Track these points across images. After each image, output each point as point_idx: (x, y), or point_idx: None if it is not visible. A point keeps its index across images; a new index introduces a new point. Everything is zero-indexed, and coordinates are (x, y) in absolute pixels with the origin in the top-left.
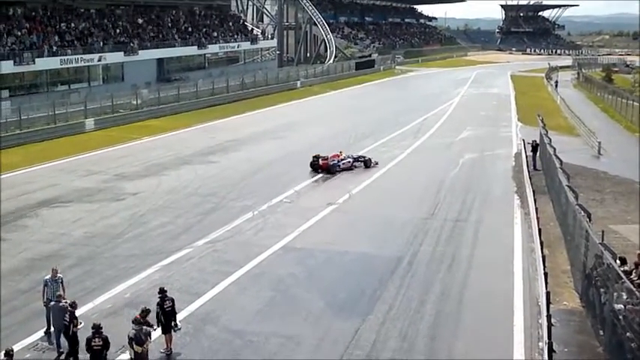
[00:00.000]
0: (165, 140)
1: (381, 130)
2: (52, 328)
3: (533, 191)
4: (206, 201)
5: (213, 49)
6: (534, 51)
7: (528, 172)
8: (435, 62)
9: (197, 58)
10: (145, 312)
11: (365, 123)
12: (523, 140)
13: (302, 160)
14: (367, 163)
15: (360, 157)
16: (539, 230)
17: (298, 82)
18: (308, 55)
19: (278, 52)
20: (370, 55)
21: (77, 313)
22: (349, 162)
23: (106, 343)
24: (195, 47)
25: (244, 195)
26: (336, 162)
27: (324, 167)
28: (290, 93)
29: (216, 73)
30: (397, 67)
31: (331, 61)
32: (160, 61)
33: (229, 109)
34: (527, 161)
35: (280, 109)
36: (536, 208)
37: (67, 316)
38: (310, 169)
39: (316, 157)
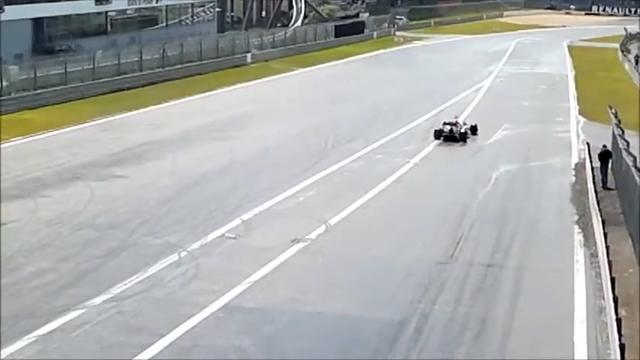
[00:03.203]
0: (45, 143)
1: (375, 129)
2: None
3: (603, 222)
4: (107, 236)
5: (118, 4)
6: (604, 10)
7: (596, 192)
8: (455, 26)
9: (94, 17)
10: None
11: (349, 117)
12: (587, 144)
13: (255, 172)
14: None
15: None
16: (613, 280)
17: (248, 56)
18: (263, 14)
19: (218, 9)
20: (358, 15)
21: None
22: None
23: None
24: (92, 1)
25: (166, 227)
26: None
27: (459, 137)
28: (236, 71)
29: (123, 41)
30: (398, 33)
31: (299, 23)
32: (37, 22)
33: (144, 95)
34: (593, 176)
35: (222, 95)
36: (608, 247)
37: None
38: (435, 139)
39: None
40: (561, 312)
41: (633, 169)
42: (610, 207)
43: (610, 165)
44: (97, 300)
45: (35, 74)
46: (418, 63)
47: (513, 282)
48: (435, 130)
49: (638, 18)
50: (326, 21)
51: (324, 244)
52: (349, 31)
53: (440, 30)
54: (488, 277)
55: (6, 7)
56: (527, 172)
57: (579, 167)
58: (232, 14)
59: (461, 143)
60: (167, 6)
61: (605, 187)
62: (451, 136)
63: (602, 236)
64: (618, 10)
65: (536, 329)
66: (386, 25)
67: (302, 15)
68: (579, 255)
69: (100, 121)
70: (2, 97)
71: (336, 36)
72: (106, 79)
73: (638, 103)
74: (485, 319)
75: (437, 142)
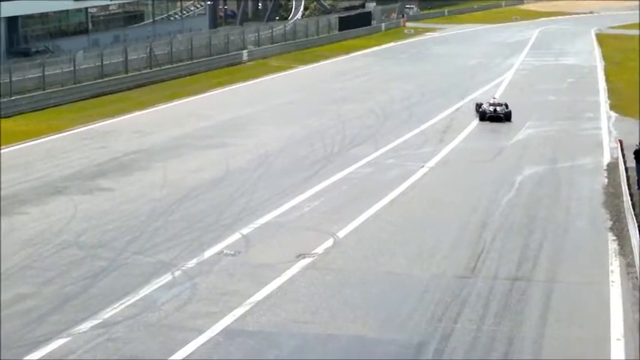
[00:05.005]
0: (22, 154)
1: (385, 130)
2: None
3: None
4: (93, 256)
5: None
6: None
7: (631, 195)
8: (471, 15)
9: (74, 15)
10: None
11: (357, 118)
12: (620, 142)
13: (254, 182)
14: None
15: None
16: None
17: (244, 53)
18: (259, 6)
19: (210, 2)
20: (364, 5)
21: None
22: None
23: None
24: None
25: (158, 244)
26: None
27: (504, 116)
28: (232, 70)
29: (106, 40)
30: (409, 23)
31: (299, 16)
32: (11, 21)
33: (130, 99)
34: (627, 177)
35: (216, 97)
36: None
37: None
38: (480, 120)
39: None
40: (596, 329)
41: None
42: None
43: None
44: (84, 326)
45: (10, 79)
46: (431, 56)
47: (542, 297)
48: (480, 111)
49: None
50: (329, 12)
51: (333, 259)
52: (355, 23)
53: (454, 19)
54: (514, 291)
55: None
56: (554, 174)
57: (612, 167)
58: (226, 8)
59: (485, 142)
60: (153, 0)
61: None
62: (496, 116)
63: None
64: None
65: (569, 348)
66: (395, 15)
67: (302, 7)
68: (614, 265)
69: (83, 128)
70: None
71: (340, 29)
72: (88, 83)
73: None
74: (513, 339)
75: (456, 141)
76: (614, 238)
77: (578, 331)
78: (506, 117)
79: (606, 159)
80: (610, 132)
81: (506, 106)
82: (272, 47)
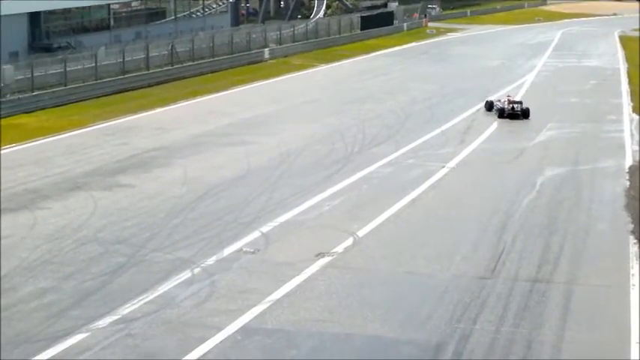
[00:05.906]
0: (43, 149)
1: (406, 130)
2: None
3: None
4: (113, 252)
5: None
6: None
7: None
8: (493, 16)
9: (96, 11)
10: None
11: (378, 118)
12: None
13: (274, 180)
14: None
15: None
16: None
17: (266, 51)
18: (281, 4)
19: (232, 0)
20: (386, 5)
21: None
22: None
23: None
24: None
25: (177, 241)
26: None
27: (522, 114)
28: (253, 68)
29: (128, 37)
30: (431, 23)
31: (321, 15)
32: (33, 16)
33: (151, 96)
34: None
35: (237, 95)
36: None
37: None
38: (499, 118)
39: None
40: (616, 332)
41: None
42: None
43: None
44: (103, 322)
45: (32, 74)
46: (453, 57)
47: (562, 299)
48: (498, 109)
49: None
50: (351, 12)
51: (352, 259)
52: (377, 22)
53: (477, 20)
54: (534, 293)
55: (1, 1)
56: (575, 176)
57: (634, 170)
58: (247, 6)
59: (506, 143)
60: None
61: None
62: (514, 113)
63: None
64: None
65: (589, 352)
66: (417, 15)
67: (324, 5)
68: (635, 268)
69: (104, 124)
70: None
71: (362, 28)
72: (110, 79)
73: None
74: (532, 341)
75: (477, 142)
76: (635, 241)
77: (598, 334)
78: (523, 114)
79: (628, 162)
80: (632, 135)
81: (521, 103)
82: (294, 46)
